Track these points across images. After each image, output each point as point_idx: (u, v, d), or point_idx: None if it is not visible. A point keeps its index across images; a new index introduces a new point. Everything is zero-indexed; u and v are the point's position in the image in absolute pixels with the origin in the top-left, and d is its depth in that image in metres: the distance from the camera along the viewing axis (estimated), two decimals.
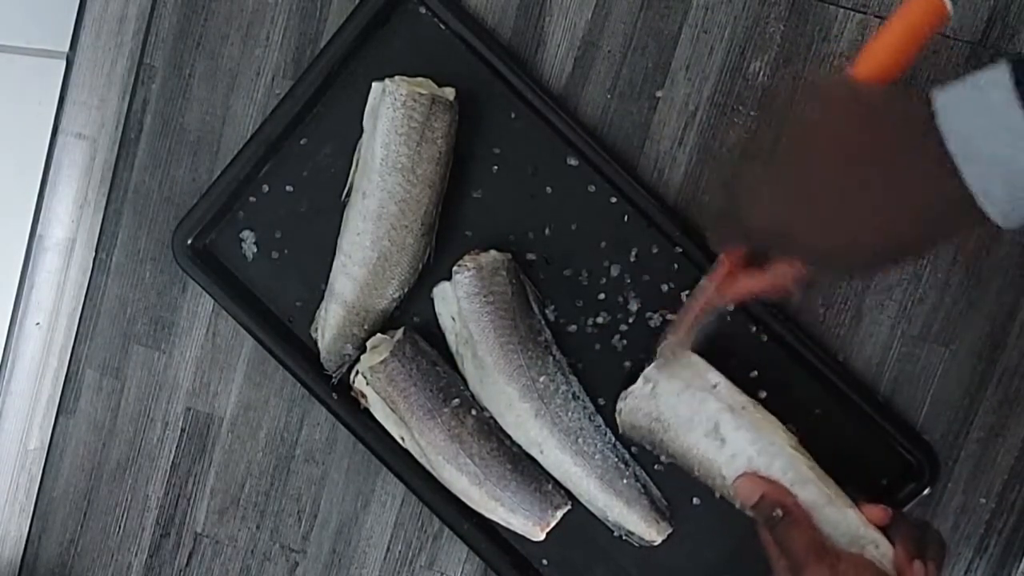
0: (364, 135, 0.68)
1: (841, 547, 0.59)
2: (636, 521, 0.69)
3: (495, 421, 0.70)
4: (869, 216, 0.49)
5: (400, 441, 0.70)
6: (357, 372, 0.69)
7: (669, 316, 0.69)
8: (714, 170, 0.59)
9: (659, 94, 0.70)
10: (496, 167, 0.71)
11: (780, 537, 0.58)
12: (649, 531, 0.69)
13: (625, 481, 0.69)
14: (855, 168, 0.49)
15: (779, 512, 0.59)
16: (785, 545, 0.58)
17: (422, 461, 0.70)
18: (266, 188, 0.73)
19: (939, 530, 0.60)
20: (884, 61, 0.52)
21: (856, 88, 0.52)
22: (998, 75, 0.45)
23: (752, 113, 0.69)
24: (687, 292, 0.69)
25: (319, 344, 0.71)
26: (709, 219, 0.60)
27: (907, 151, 0.48)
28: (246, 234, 0.74)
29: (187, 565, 0.78)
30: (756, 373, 0.68)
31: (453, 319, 0.69)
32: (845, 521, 0.59)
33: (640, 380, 0.65)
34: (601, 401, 0.71)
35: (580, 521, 0.71)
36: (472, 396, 0.70)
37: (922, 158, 0.47)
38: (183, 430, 0.78)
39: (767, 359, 0.68)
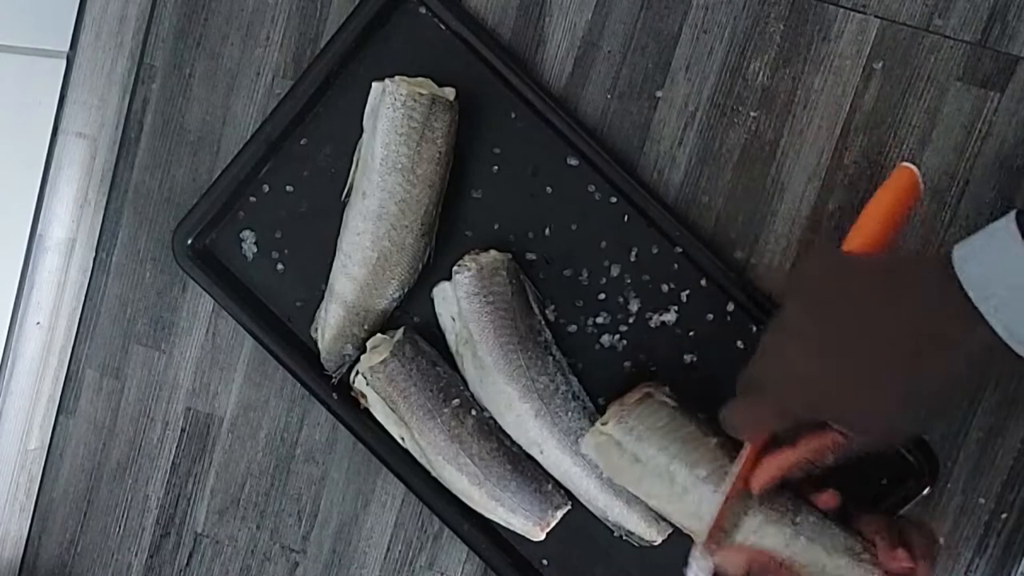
0: (364, 135, 0.68)
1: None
2: (636, 521, 0.69)
3: (495, 421, 0.70)
4: (900, 380, 0.52)
5: (400, 441, 0.70)
6: (357, 372, 0.69)
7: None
8: (742, 372, 0.60)
9: (659, 94, 0.70)
10: (496, 167, 0.71)
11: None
12: (649, 531, 0.69)
13: None
14: (878, 337, 0.52)
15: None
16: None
17: (422, 461, 0.70)
18: (266, 188, 0.73)
19: (931, 526, 0.60)
20: (874, 233, 0.56)
21: (856, 261, 0.55)
22: (1005, 221, 0.48)
23: (753, 114, 0.69)
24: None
25: (319, 344, 0.71)
26: (734, 412, 0.60)
27: (928, 311, 0.50)
28: (246, 234, 0.74)
29: (187, 565, 0.78)
30: None
31: (453, 319, 0.69)
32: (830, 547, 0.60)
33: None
34: (601, 401, 0.71)
35: (580, 521, 0.71)
36: (472, 396, 0.70)
37: (944, 314, 0.49)
38: (183, 430, 0.78)
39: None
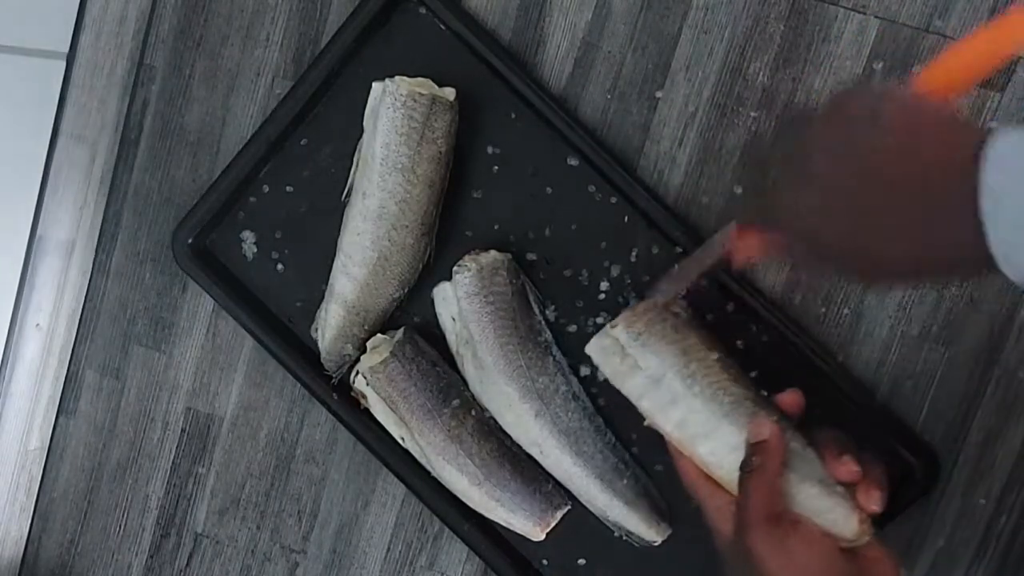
0: (364, 135, 0.68)
1: (800, 513, 0.57)
2: (636, 521, 0.69)
3: (495, 421, 0.70)
4: (884, 234, 0.48)
5: (400, 441, 0.70)
6: (357, 372, 0.69)
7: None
8: (757, 152, 0.57)
9: (659, 94, 0.70)
10: (496, 167, 0.71)
11: (743, 486, 0.56)
12: (649, 531, 0.69)
13: (625, 481, 0.69)
14: (886, 184, 0.48)
15: (756, 460, 0.57)
16: (743, 496, 0.56)
17: (422, 461, 0.70)
18: (266, 188, 0.73)
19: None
20: (955, 74, 0.51)
21: (913, 103, 0.50)
22: None
23: (753, 114, 0.69)
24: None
25: (319, 344, 0.71)
26: (742, 196, 0.59)
27: (941, 190, 0.46)
28: (246, 234, 0.74)
29: (187, 565, 0.79)
30: (756, 373, 0.68)
31: (453, 319, 0.69)
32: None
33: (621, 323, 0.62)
34: (601, 401, 0.71)
35: (580, 521, 0.71)
36: (472, 396, 0.70)
37: (953, 201, 0.45)
38: (183, 430, 0.78)
39: (767, 359, 0.68)
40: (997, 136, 0.43)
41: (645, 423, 0.62)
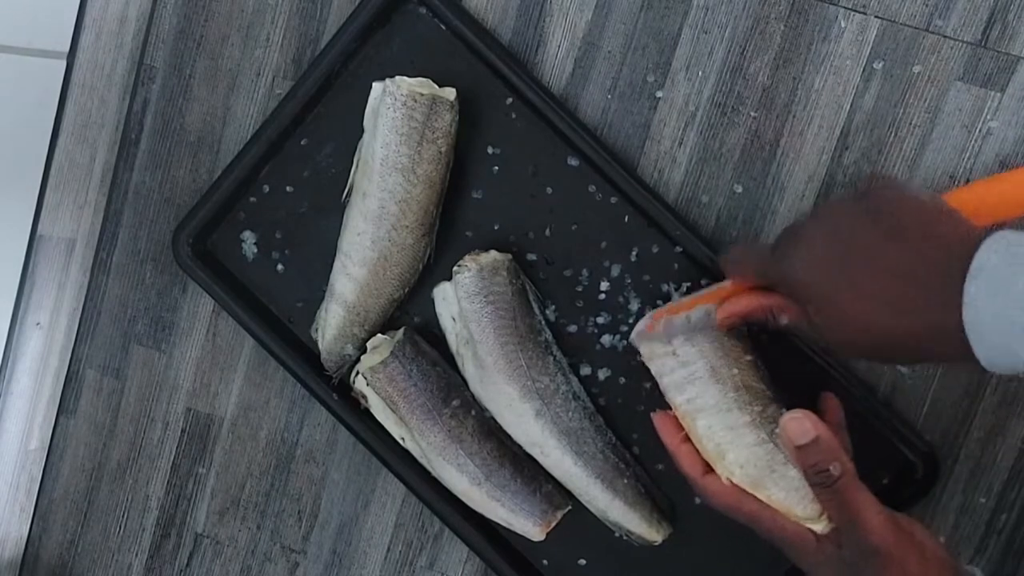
0: (364, 135, 0.68)
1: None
2: (637, 521, 0.69)
3: (495, 421, 0.70)
4: (873, 312, 0.50)
5: (400, 441, 0.70)
6: (357, 372, 0.69)
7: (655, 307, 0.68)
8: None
9: (659, 94, 0.70)
10: (496, 167, 0.71)
11: (846, 500, 0.55)
12: (650, 531, 0.69)
13: (626, 481, 0.69)
14: (884, 264, 0.51)
15: (836, 467, 0.55)
16: (852, 512, 0.55)
17: (422, 462, 0.70)
18: (266, 188, 0.73)
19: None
20: (987, 203, 0.53)
21: (928, 207, 0.52)
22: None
23: (753, 113, 0.69)
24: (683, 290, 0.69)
25: (319, 344, 0.71)
26: (738, 251, 0.61)
27: (930, 276, 0.49)
28: (246, 234, 0.74)
29: (187, 566, 0.78)
30: None
31: (453, 319, 0.69)
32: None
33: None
34: (602, 401, 0.71)
35: (581, 521, 0.71)
36: (472, 396, 0.70)
37: (939, 285, 0.48)
38: (183, 430, 0.78)
39: (767, 358, 0.68)
40: (983, 248, 0.46)
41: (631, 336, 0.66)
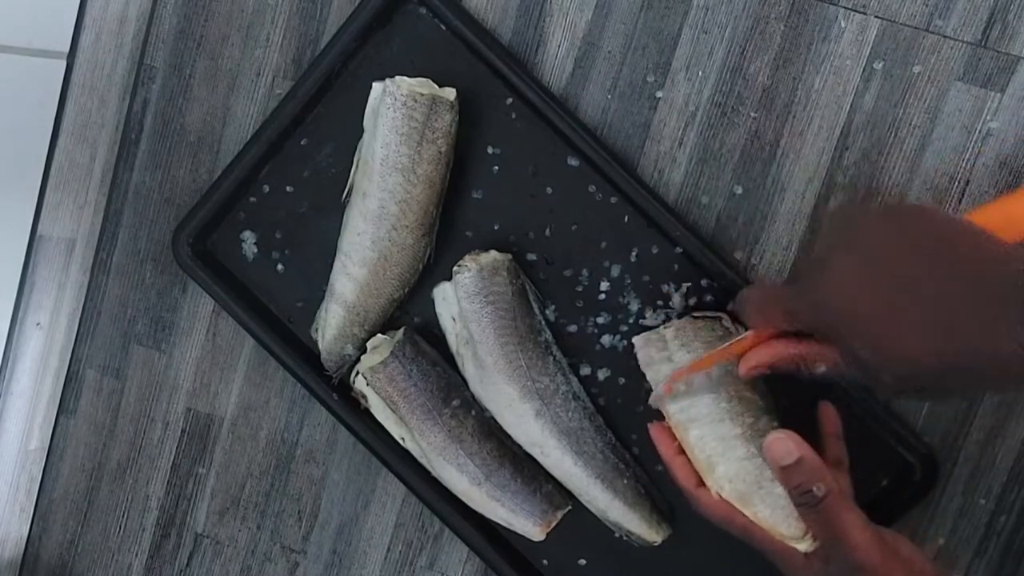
0: (364, 135, 0.68)
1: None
2: (637, 521, 0.69)
3: (495, 421, 0.70)
4: (925, 338, 0.49)
5: (400, 441, 0.70)
6: (357, 372, 0.69)
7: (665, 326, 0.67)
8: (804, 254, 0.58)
9: (659, 94, 0.70)
10: (496, 167, 0.71)
11: (831, 519, 0.54)
12: (650, 532, 0.69)
13: (626, 481, 0.69)
14: (932, 294, 0.49)
15: (820, 488, 0.54)
16: (837, 531, 0.54)
17: (422, 462, 0.70)
18: (266, 188, 0.73)
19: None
20: (1015, 220, 0.52)
21: (964, 228, 0.51)
22: None
23: (753, 114, 0.69)
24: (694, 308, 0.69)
25: (319, 344, 0.71)
26: (756, 294, 0.58)
27: (983, 301, 0.48)
28: (246, 234, 0.74)
29: (187, 566, 0.78)
30: None
31: (453, 319, 0.69)
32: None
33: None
34: (601, 401, 0.71)
35: (580, 521, 0.71)
36: (472, 396, 0.70)
37: (990, 306, 0.47)
38: (183, 430, 0.78)
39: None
40: None
41: (650, 399, 0.65)
